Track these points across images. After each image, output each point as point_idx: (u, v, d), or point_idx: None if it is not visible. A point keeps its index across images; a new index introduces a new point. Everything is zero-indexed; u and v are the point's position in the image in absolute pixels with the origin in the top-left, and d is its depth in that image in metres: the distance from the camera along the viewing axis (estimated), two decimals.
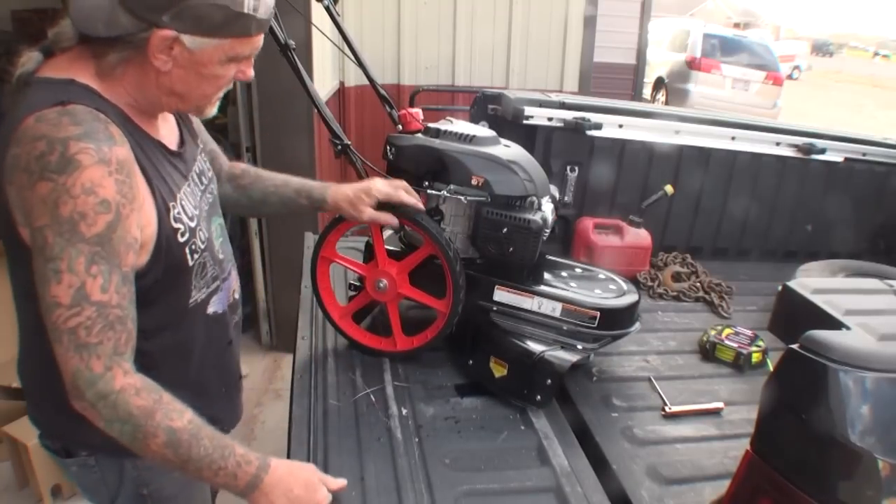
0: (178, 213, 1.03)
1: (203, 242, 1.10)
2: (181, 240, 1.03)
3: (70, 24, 0.94)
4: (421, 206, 1.45)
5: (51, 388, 1.11)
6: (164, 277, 1.02)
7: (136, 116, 1.00)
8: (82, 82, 0.94)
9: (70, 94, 0.90)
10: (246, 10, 0.93)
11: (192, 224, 1.07)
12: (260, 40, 1.01)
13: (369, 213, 1.40)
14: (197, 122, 1.28)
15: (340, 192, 1.41)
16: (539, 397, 1.43)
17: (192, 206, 1.08)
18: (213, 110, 1.08)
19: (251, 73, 1.05)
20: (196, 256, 1.07)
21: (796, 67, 24.57)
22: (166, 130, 1.10)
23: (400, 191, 1.41)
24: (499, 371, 1.47)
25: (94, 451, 1.14)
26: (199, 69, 0.96)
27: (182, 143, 1.13)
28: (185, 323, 1.12)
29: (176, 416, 0.95)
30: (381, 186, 1.41)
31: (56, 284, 0.87)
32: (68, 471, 1.18)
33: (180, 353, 1.13)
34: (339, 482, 1.10)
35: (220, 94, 1.05)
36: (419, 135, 1.55)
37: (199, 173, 1.16)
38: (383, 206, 1.41)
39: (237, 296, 1.27)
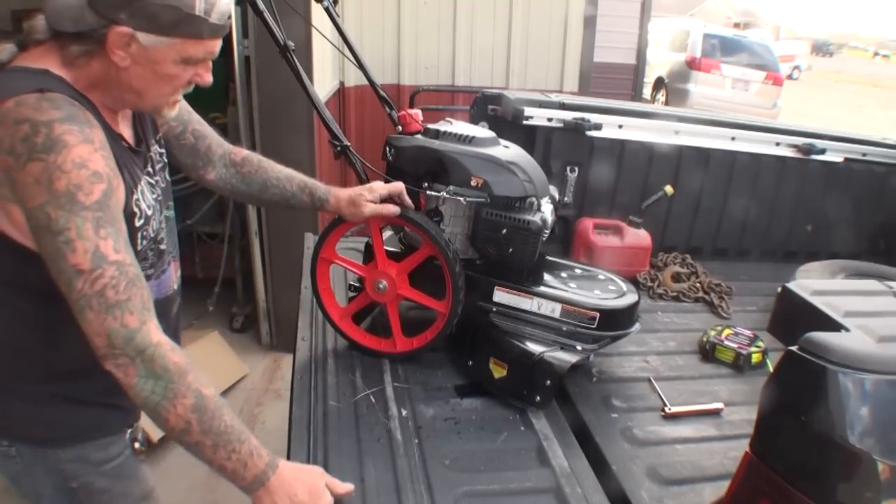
0: (138, 199, 1.08)
1: (154, 232, 1.14)
2: (137, 224, 1.08)
3: (43, 20, 0.99)
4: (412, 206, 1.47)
5: None
6: None
7: (102, 110, 1.04)
8: (56, 73, 0.99)
9: (47, 83, 0.95)
10: (197, 13, 0.97)
11: (150, 212, 1.12)
12: (214, 45, 1.04)
13: (371, 207, 1.42)
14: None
15: (342, 193, 1.44)
16: (538, 398, 1.43)
17: (152, 197, 1.14)
18: (171, 112, 1.12)
19: (209, 77, 1.08)
20: (145, 244, 1.12)
21: (796, 67, 24.56)
22: (125, 126, 1.14)
23: (399, 183, 1.46)
24: (498, 372, 1.47)
25: (14, 441, 1.13)
26: (154, 67, 1.00)
27: (138, 141, 1.17)
28: None
29: (205, 383, 0.98)
30: (382, 186, 1.45)
31: (72, 253, 0.90)
32: None
33: None
34: (346, 487, 1.09)
35: (178, 96, 1.09)
36: (419, 136, 1.55)
37: (150, 164, 1.19)
38: (383, 201, 1.44)
39: (175, 287, 1.28)
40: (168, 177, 1.27)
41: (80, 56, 0.99)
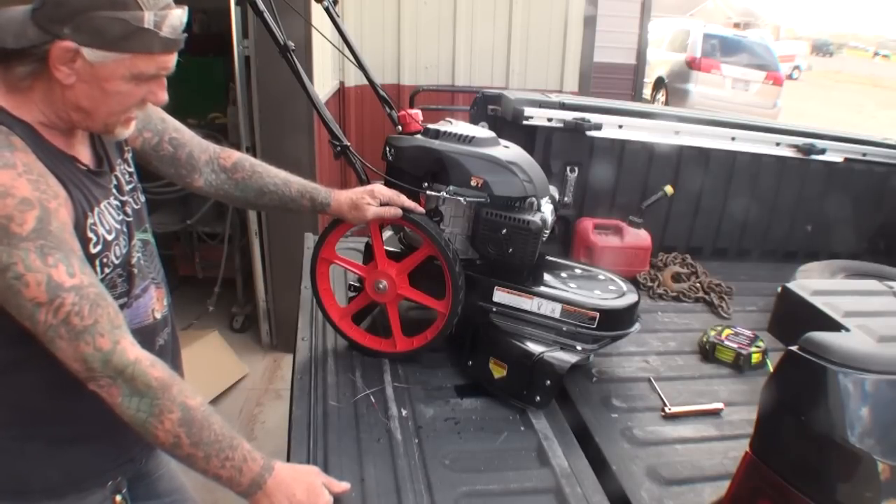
0: (94, 223, 1.01)
1: (118, 258, 1.06)
2: (93, 251, 1.00)
3: None
4: (422, 211, 1.46)
5: None
6: None
7: (47, 133, 0.98)
8: None
9: None
10: (146, 26, 0.91)
11: (110, 237, 1.04)
12: (167, 61, 0.97)
13: (373, 210, 1.40)
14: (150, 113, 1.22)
15: (343, 195, 1.42)
16: (538, 398, 1.43)
17: (114, 220, 1.06)
18: (125, 132, 1.03)
19: (163, 96, 1.01)
20: (108, 271, 1.03)
21: (796, 67, 24.55)
22: (82, 148, 1.06)
23: (402, 196, 1.43)
24: (498, 372, 1.47)
25: None
26: (101, 84, 0.94)
27: (99, 162, 1.09)
28: None
29: (189, 394, 0.96)
30: (384, 189, 1.44)
31: (26, 288, 0.87)
32: None
33: None
34: (343, 485, 1.10)
35: (132, 115, 1.02)
36: (419, 136, 1.55)
37: (116, 186, 1.11)
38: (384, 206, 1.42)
39: (158, 315, 1.18)
40: (142, 198, 1.19)
41: (24, 78, 0.93)
